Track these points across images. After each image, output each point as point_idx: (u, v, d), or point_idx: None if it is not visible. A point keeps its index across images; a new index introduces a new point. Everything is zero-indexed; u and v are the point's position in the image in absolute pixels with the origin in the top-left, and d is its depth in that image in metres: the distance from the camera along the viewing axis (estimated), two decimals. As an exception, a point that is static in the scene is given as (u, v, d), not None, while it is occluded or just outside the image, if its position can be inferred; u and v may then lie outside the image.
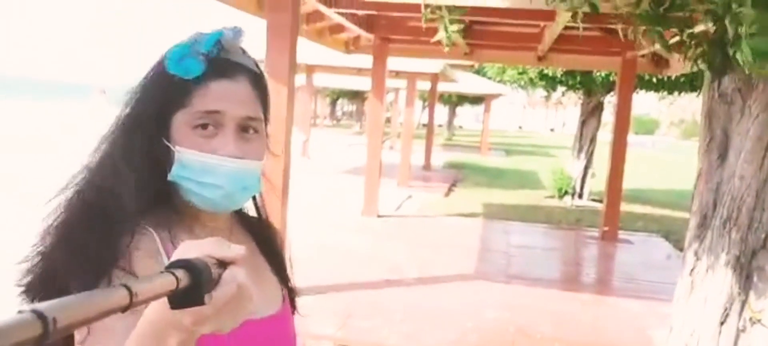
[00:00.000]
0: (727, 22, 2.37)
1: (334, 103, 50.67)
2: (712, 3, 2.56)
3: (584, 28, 7.86)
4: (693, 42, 2.95)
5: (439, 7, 3.91)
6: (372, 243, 8.13)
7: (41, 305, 0.51)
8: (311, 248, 7.28)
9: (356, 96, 41.34)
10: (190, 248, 0.75)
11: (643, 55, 8.95)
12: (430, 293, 6.09)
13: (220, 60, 1.05)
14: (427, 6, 3.81)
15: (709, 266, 3.07)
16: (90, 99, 17.12)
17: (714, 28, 2.78)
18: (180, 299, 0.70)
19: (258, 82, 1.10)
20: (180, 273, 0.68)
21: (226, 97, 1.05)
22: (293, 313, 1.27)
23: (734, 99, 2.97)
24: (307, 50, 11.46)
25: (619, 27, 3.76)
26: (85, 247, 0.98)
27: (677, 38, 3.01)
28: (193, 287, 0.69)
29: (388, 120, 33.70)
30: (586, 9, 3.75)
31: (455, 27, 4.21)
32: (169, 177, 1.05)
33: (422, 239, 8.61)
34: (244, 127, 1.07)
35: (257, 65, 1.12)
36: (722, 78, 2.99)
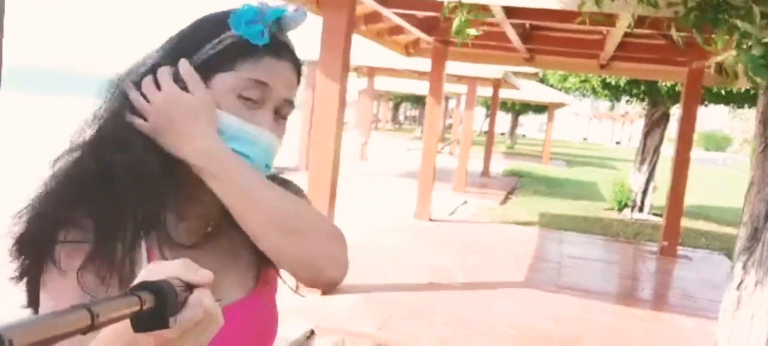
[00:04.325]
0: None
1: (396, 107, 50.84)
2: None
3: (648, 36, 7.67)
4: (749, 46, 2.82)
5: (461, 4, 3.85)
6: (421, 246, 8.08)
7: None
8: (359, 248, 7.27)
9: (419, 101, 41.36)
10: (156, 270, 0.74)
11: (709, 66, 8.65)
12: (475, 300, 6.00)
13: (275, 37, 1.04)
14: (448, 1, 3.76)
15: (758, 280, 2.91)
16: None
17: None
18: (144, 322, 0.68)
19: (299, 68, 1.10)
20: (144, 295, 0.67)
21: (275, 74, 1.04)
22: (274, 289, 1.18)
23: (791, 107, 2.81)
24: (369, 52, 11.49)
25: (675, 33, 3.61)
26: (74, 203, 0.95)
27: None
28: (158, 309, 0.68)
29: (449, 126, 33.60)
30: (641, 11, 3.64)
31: (471, 24, 4.13)
32: None
33: (473, 245, 8.51)
34: (279, 110, 1.07)
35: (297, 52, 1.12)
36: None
